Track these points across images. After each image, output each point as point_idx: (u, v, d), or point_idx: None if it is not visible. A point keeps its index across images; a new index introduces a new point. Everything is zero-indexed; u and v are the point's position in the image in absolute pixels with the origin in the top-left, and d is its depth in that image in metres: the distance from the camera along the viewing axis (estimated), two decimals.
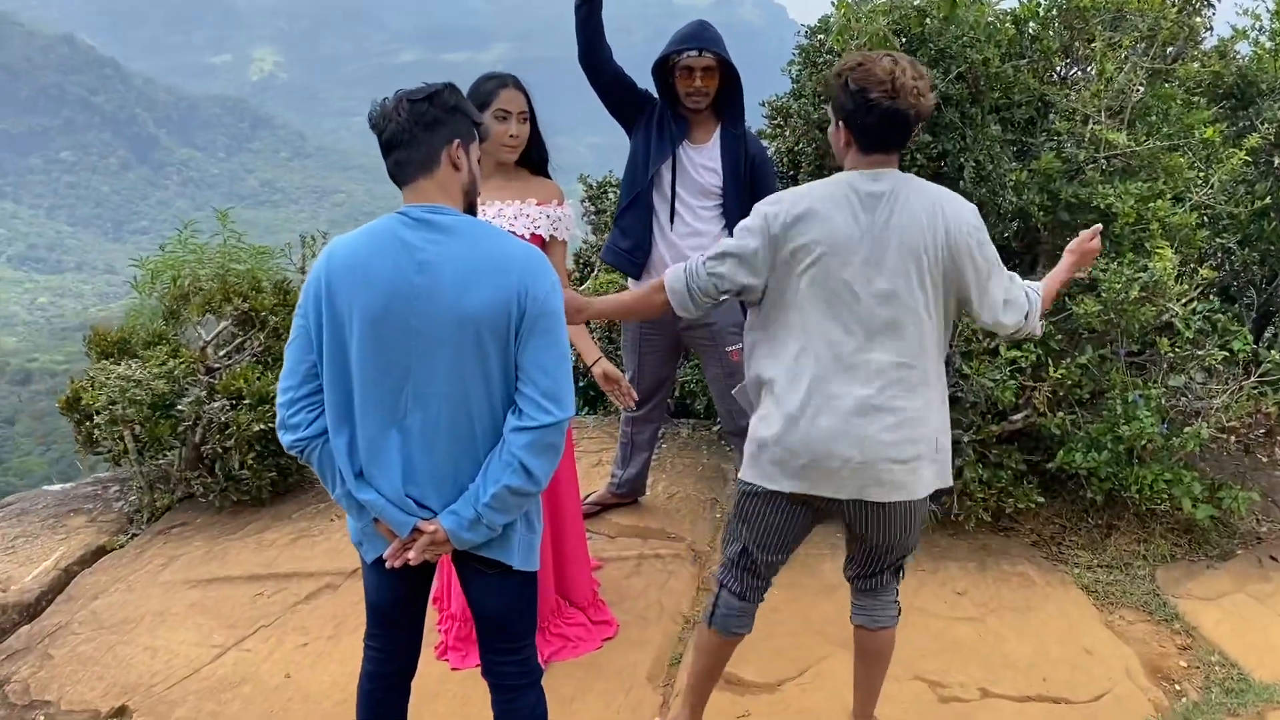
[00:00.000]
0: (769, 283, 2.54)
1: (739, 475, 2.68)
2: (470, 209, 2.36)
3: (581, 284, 5.97)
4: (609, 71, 3.76)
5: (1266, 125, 4.57)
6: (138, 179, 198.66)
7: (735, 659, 3.37)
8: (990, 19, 4.05)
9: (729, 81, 3.75)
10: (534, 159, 3.42)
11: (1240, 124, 4.82)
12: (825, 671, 3.42)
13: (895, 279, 2.44)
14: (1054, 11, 4.07)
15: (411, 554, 2.29)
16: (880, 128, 2.45)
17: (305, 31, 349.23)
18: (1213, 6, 4.85)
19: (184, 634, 3.76)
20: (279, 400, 2.32)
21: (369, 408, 2.24)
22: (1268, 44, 5.06)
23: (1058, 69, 4.29)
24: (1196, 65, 4.84)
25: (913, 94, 2.42)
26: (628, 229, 3.93)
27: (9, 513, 4.74)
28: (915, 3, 4.01)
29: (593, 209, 5.50)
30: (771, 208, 2.52)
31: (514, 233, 3.29)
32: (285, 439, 2.32)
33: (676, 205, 3.84)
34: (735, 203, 3.82)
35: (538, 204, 3.38)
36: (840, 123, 2.51)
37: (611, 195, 5.45)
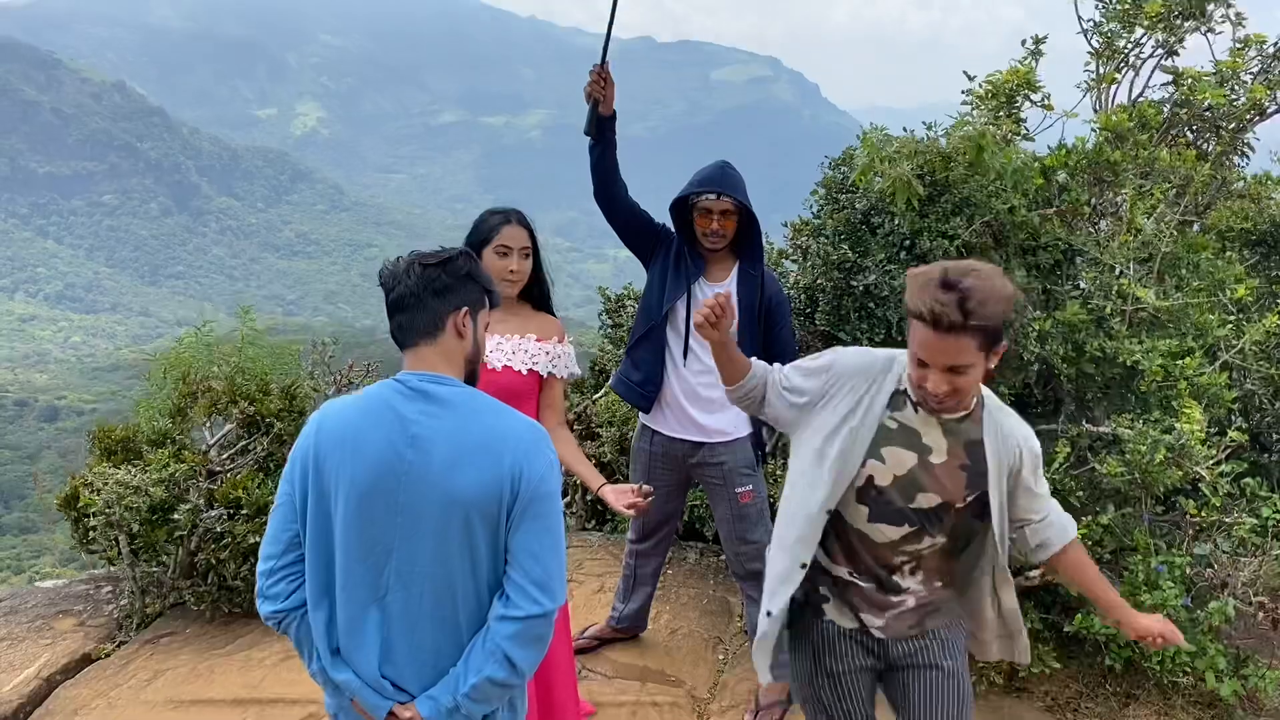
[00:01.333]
0: None
1: None
2: (471, 378, 2.28)
3: (597, 390, 5.90)
4: (623, 208, 3.72)
5: None
6: (176, 225, 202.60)
7: None
8: (1019, 163, 3.98)
9: (747, 223, 3.69)
10: (535, 294, 3.36)
11: (1273, 270, 4.71)
12: None
13: None
14: (1083, 162, 4.00)
15: None
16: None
17: (349, 89, 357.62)
18: (1246, 156, 4.77)
19: None
20: (259, 568, 2.23)
21: (350, 584, 2.14)
22: None
23: (1086, 215, 4.20)
24: (1229, 211, 4.77)
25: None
26: (639, 361, 3.85)
27: None
28: (941, 147, 3.95)
29: (610, 322, 5.44)
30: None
31: (511, 367, 3.23)
32: (263, 609, 2.22)
33: (690, 341, 3.76)
34: (750, 342, 3.73)
35: (537, 340, 3.30)
36: None
37: (629, 308, 5.39)
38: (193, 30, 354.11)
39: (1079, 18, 4.34)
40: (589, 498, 5.45)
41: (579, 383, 5.83)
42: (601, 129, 3.58)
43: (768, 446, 4.07)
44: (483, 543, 2.11)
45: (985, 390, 2.45)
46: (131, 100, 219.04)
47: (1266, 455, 4.93)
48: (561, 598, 2.15)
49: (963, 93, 4.65)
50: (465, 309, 2.20)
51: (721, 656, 4.32)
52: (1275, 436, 5.00)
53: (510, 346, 3.28)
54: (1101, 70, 4.42)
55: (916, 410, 2.34)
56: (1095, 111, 4.43)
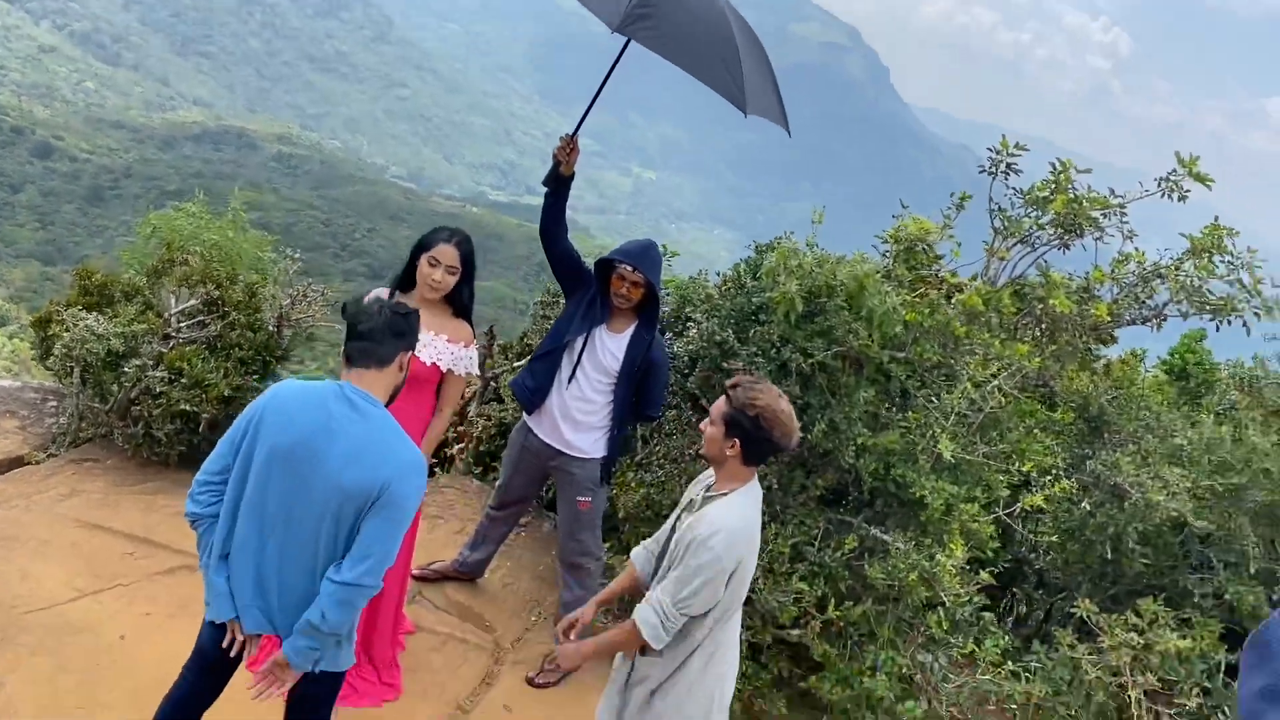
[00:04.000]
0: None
1: None
2: (391, 400, 3.03)
3: (520, 359, 6.66)
4: (560, 250, 4.46)
5: (1100, 465, 5.26)
6: (221, 5, 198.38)
7: None
8: (888, 307, 4.71)
9: (653, 296, 4.43)
10: (458, 304, 4.12)
11: (1085, 448, 5.53)
12: None
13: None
14: (936, 327, 4.75)
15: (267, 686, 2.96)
16: (771, 454, 3.20)
17: None
18: (1103, 344, 5.55)
19: (55, 569, 4.44)
20: (197, 477, 2.95)
21: (248, 517, 2.89)
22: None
23: (933, 366, 4.96)
24: (1076, 379, 5.56)
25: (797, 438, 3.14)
26: (536, 373, 4.61)
27: None
28: (831, 275, 4.68)
29: (542, 313, 6.19)
30: (729, 546, 3.02)
31: (418, 357, 3.97)
32: (188, 507, 2.95)
33: (578, 372, 4.52)
34: (624, 389, 4.52)
35: (448, 340, 4.07)
36: (737, 441, 3.08)
37: (559, 305, 6.13)
38: None
39: (990, 198, 5.06)
40: (480, 450, 6.25)
41: (505, 346, 6.60)
42: (559, 185, 4.31)
43: (614, 473, 4.86)
44: (346, 525, 2.87)
45: (733, 497, 3.16)
46: None
47: (1028, 585, 5.80)
48: (376, 584, 2.90)
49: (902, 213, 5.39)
50: (410, 351, 2.98)
51: (534, 618, 5.17)
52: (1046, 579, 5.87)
53: (423, 340, 4.04)
54: (998, 245, 5.16)
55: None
56: (980, 278, 5.18)
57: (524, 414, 4.77)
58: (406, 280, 4.06)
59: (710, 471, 3.30)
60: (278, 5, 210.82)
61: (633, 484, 5.29)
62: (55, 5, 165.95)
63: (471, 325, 4.23)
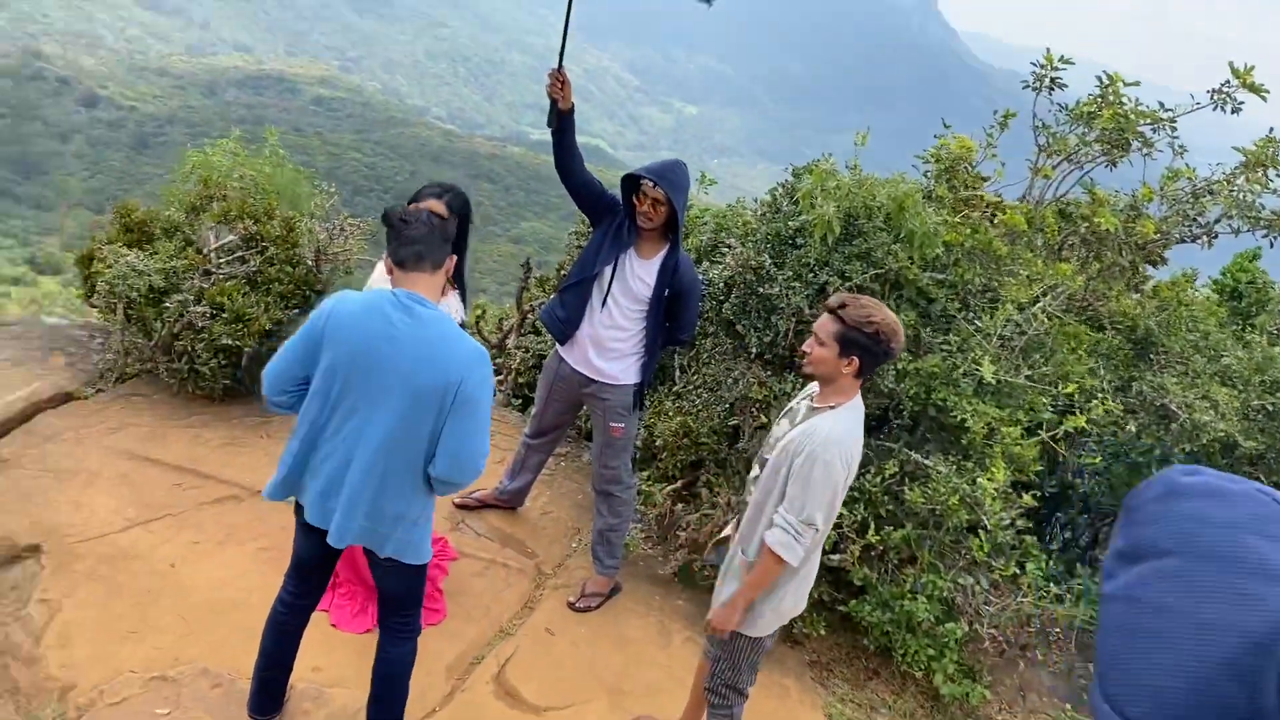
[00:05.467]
0: None
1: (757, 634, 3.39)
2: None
3: (560, 291, 6.64)
4: (579, 181, 4.41)
5: (1146, 387, 5.16)
6: None
7: (521, 678, 4.16)
8: (929, 228, 4.63)
9: (677, 216, 4.37)
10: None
11: (1132, 370, 5.41)
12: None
13: None
14: (978, 248, 4.65)
15: None
16: (882, 364, 3.24)
17: None
18: (1152, 265, 5.40)
19: (107, 499, 4.55)
20: (275, 369, 3.01)
21: (329, 437, 2.99)
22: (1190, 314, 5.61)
23: (976, 291, 4.87)
24: (1126, 304, 5.43)
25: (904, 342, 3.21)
26: (567, 303, 4.60)
27: (8, 334, 5.51)
28: (870, 197, 4.59)
29: (576, 244, 6.14)
30: (842, 457, 3.09)
31: None
32: (271, 401, 3.05)
33: (609, 300, 4.49)
34: (656, 315, 4.48)
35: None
36: (855, 358, 3.12)
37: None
38: None
39: (1034, 114, 4.90)
40: (520, 381, 6.27)
41: (542, 279, 6.59)
42: (562, 122, 4.26)
43: (646, 400, 4.84)
44: (425, 427, 2.94)
45: (841, 410, 3.19)
46: None
47: (1071, 508, 5.73)
48: (465, 478, 2.99)
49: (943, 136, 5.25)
50: (456, 256, 3.03)
51: (575, 545, 5.22)
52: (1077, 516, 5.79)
53: None
54: (1041, 163, 5.01)
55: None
56: (1023, 199, 5.04)
57: (556, 344, 4.77)
58: None
59: (812, 386, 3.36)
60: None
61: (670, 412, 5.29)
62: None
63: (462, 290, 4.18)
